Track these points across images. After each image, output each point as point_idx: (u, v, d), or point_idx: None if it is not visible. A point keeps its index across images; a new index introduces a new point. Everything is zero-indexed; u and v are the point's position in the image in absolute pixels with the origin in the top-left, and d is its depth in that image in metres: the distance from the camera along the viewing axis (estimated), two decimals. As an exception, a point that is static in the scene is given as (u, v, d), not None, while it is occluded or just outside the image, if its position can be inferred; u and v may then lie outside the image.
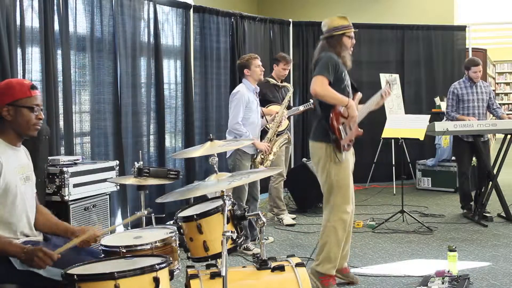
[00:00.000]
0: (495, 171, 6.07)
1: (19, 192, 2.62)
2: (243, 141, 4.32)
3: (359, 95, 4.07)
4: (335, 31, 3.95)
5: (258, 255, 2.82)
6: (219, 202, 2.80)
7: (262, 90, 5.50)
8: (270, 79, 5.88)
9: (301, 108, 6.23)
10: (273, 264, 2.75)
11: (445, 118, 6.61)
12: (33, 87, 2.65)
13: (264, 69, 5.29)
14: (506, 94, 17.97)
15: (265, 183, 6.38)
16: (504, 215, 6.05)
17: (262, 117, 5.35)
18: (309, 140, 4.06)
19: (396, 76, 8.45)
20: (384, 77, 8.16)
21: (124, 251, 2.73)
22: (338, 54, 3.93)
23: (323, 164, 3.92)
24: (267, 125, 5.46)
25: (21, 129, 2.64)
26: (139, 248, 2.76)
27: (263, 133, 5.42)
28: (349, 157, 3.99)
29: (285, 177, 6.22)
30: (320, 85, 3.77)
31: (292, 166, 7.62)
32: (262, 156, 5.12)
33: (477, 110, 6.22)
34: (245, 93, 5.05)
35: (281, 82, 6.09)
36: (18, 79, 2.68)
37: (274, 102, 5.86)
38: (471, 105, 6.22)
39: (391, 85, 4.29)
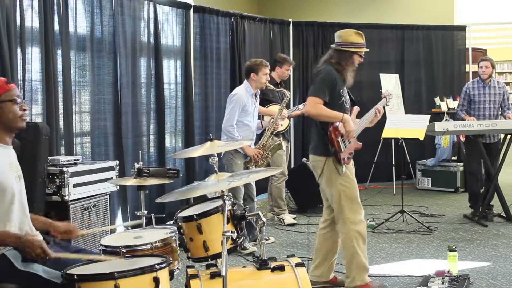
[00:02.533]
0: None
1: (16, 191, 2.59)
2: (243, 141, 4.31)
3: (356, 109, 4.06)
4: (350, 47, 3.87)
5: (256, 253, 2.82)
6: (219, 202, 2.80)
7: (262, 90, 5.49)
8: (268, 84, 5.85)
9: (301, 107, 6.22)
10: (273, 264, 2.75)
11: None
12: (7, 81, 2.65)
13: (269, 79, 5.29)
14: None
15: (265, 183, 6.37)
16: (504, 215, 6.05)
17: (258, 118, 5.33)
18: (309, 153, 4.05)
19: (396, 76, 8.46)
20: (384, 78, 8.16)
21: (124, 251, 2.73)
22: (342, 70, 3.89)
23: (327, 177, 3.89)
24: (266, 128, 5.43)
25: (10, 123, 2.62)
26: (139, 248, 2.76)
27: (261, 135, 5.42)
28: (350, 168, 3.97)
29: (287, 176, 6.20)
30: (312, 106, 3.83)
31: (292, 166, 7.61)
32: (253, 162, 5.09)
33: (488, 112, 6.15)
34: (243, 96, 5.04)
35: (280, 83, 6.09)
36: None
37: (274, 102, 5.86)
38: (482, 106, 6.16)
39: (387, 99, 4.31)
